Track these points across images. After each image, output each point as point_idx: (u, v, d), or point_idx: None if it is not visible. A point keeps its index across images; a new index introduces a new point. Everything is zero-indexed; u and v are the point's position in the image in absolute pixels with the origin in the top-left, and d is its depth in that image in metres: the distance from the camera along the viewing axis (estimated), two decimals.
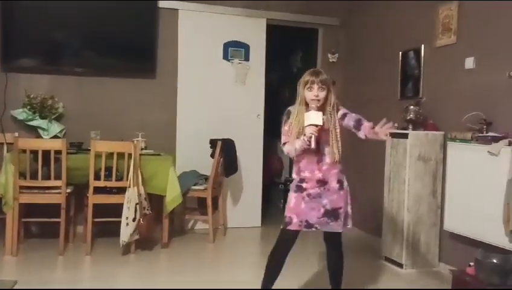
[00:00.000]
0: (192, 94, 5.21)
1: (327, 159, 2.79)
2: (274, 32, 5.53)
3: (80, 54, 4.83)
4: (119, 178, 4.15)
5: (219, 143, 4.75)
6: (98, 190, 4.10)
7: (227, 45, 5.31)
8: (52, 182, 4.01)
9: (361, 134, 2.82)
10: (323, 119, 2.68)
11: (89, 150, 4.08)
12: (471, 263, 3.32)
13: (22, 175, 3.97)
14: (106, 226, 4.25)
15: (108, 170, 4.11)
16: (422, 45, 4.26)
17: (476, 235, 3.41)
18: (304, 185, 2.81)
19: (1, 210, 4.04)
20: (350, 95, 5.57)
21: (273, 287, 2.87)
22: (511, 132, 3.29)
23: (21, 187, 3.98)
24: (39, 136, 4.51)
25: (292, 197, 2.83)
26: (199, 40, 5.22)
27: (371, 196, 4.90)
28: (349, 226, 2.92)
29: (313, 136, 2.62)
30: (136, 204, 4.05)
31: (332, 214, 2.81)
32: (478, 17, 3.69)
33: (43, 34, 4.72)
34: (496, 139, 3.28)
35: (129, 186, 4.05)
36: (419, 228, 3.94)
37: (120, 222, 4.01)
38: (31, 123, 4.56)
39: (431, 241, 3.97)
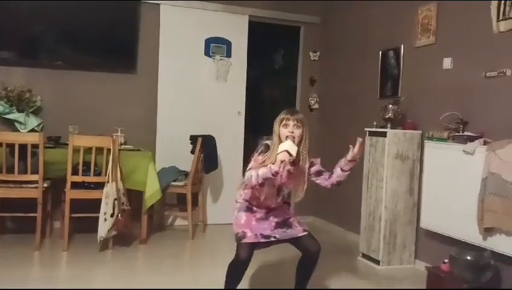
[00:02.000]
0: (173, 90, 5.18)
1: (278, 200, 2.87)
2: (256, 29, 5.53)
3: (59, 47, 4.76)
4: (98, 173, 4.11)
5: (199, 139, 4.74)
6: (75, 185, 4.05)
7: (208, 41, 5.30)
8: (28, 177, 3.96)
9: (331, 179, 3.06)
10: (297, 152, 2.70)
11: (67, 144, 4.03)
12: (446, 260, 3.39)
13: None
14: (83, 221, 4.20)
15: (87, 165, 4.06)
16: (402, 45, 4.32)
17: (451, 232, 3.47)
18: (254, 208, 2.89)
19: None
20: (330, 94, 5.61)
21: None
22: (486, 132, 3.35)
23: None
24: (16, 130, 4.44)
25: (242, 215, 2.87)
26: (181, 36, 5.20)
27: (349, 193, 4.95)
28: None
29: (285, 162, 2.57)
30: (115, 200, 4.01)
31: (284, 224, 2.90)
32: (456, 18, 3.75)
33: (21, 26, 4.64)
34: (471, 139, 3.34)
35: (107, 182, 4.02)
36: (396, 225, 3.99)
37: (98, 217, 3.97)
38: (7, 116, 4.48)
39: (407, 239, 4.03)
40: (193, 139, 4.86)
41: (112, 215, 3.99)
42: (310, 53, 5.75)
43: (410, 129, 4.03)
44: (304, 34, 5.79)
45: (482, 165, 3.14)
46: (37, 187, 3.98)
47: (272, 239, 2.85)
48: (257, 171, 2.64)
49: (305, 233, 2.91)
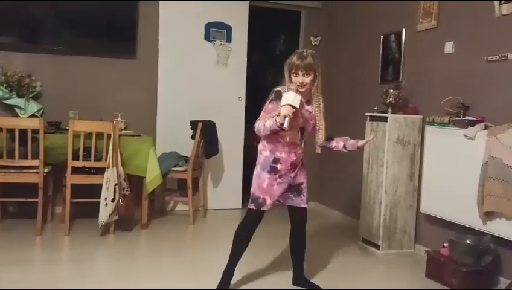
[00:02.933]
0: (173, 75, 5.16)
1: (302, 145, 2.90)
2: (257, 14, 5.49)
3: (59, 32, 4.73)
4: (98, 158, 4.11)
5: (200, 125, 4.73)
6: (76, 170, 4.06)
7: (208, 26, 5.26)
8: (29, 162, 3.96)
9: (328, 143, 3.04)
10: (301, 102, 2.65)
11: (68, 129, 4.03)
12: (446, 244, 3.40)
13: None
14: (85, 206, 4.22)
15: (87, 150, 4.07)
16: (403, 29, 4.28)
17: (451, 217, 3.47)
18: (279, 166, 2.84)
19: None
20: (332, 78, 5.58)
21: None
22: (488, 116, 3.34)
23: None
24: (16, 115, 4.43)
25: (265, 177, 2.83)
26: (180, 21, 5.16)
27: (349, 178, 4.96)
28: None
29: (288, 117, 2.56)
30: (115, 185, 4.02)
31: (296, 189, 2.94)
32: (458, 1, 3.71)
33: (21, 11, 4.61)
34: (472, 123, 3.33)
35: (108, 167, 4.02)
36: (396, 210, 4.00)
37: (99, 202, 3.99)
38: (7, 102, 4.47)
39: (407, 223, 4.04)
40: (193, 124, 4.85)
41: (112, 201, 4.00)
42: (311, 38, 5.71)
43: (411, 114, 4.02)
44: (304, 19, 5.75)
45: (482, 150, 3.14)
46: (37, 172, 3.98)
47: (276, 202, 2.92)
48: (264, 123, 2.69)
49: (305, 206, 3.01)
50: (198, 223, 4.81)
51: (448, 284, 3.26)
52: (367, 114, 4.21)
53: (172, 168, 4.73)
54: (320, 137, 2.91)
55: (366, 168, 4.21)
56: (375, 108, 4.17)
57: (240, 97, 5.43)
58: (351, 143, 3.05)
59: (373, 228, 4.09)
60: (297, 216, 3.04)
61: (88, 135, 4.05)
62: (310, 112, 2.86)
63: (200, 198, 5.09)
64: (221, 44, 5.32)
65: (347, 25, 5.29)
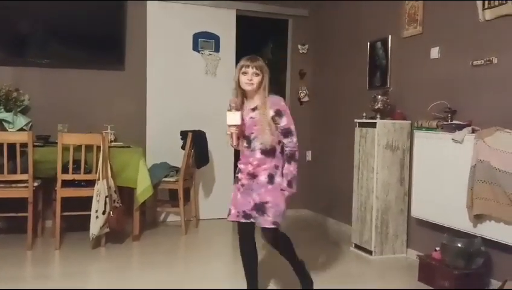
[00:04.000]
0: (162, 86, 5.16)
1: (257, 154, 2.80)
2: (244, 23, 5.52)
3: (45, 45, 4.72)
4: (88, 171, 4.09)
5: (190, 135, 4.73)
6: (66, 183, 4.03)
7: (197, 36, 5.28)
8: (18, 176, 3.93)
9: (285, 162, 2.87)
10: (251, 108, 2.79)
11: (57, 143, 4.00)
12: (437, 248, 3.42)
13: None
14: (75, 219, 4.19)
15: (77, 163, 4.04)
16: (390, 36, 4.33)
17: (441, 221, 3.50)
18: (239, 175, 2.87)
19: None
20: (320, 86, 5.63)
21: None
22: (475, 120, 3.38)
23: None
24: (4, 130, 4.39)
25: (234, 188, 2.91)
26: (168, 31, 5.17)
27: (340, 184, 4.98)
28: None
29: (233, 134, 2.75)
30: (106, 197, 4.00)
31: (259, 208, 2.78)
32: (443, 7, 3.76)
33: (7, 25, 4.60)
34: (460, 127, 3.37)
35: (98, 179, 4.00)
36: (387, 215, 4.02)
37: (89, 215, 3.96)
38: None
39: (399, 228, 4.06)
40: (183, 134, 4.85)
41: (103, 213, 3.98)
42: (299, 46, 5.75)
43: (399, 119, 4.06)
44: (292, 27, 5.79)
45: (470, 153, 3.17)
46: (27, 187, 3.95)
47: (252, 220, 2.81)
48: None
49: (269, 227, 2.77)
50: (191, 234, 4.79)
51: (441, 287, 3.28)
52: (356, 120, 4.24)
53: (163, 179, 4.72)
54: (265, 140, 2.75)
55: (357, 174, 4.23)
56: (364, 114, 4.20)
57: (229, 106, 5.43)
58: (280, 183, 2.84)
59: (365, 233, 4.10)
60: (266, 237, 2.87)
61: (77, 148, 4.03)
62: (253, 118, 2.79)
63: (191, 208, 5.07)
64: (210, 54, 5.34)
65: (334, 33, 5.34)
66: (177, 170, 4.81)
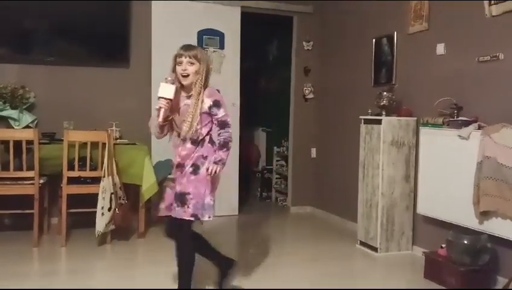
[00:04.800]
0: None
1: (187, 144, 2.69)
2: (249, 20, 5.51)
3: (51, 42, 4.73)
4: (94, 168, 4.10)
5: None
6: (72, 181, 4.05)
7: (201, 33, 5.27)
8: (24, 173, 3.94)
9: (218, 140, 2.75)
10: (186, 96, 2.65)
11: (62, 140, 4.01)
12: (443, 245, 3.41)
13: None
14: (81, 216, 4.20)
15: (82, 160, 4.05)
16: (395, 32, 4.31)
17: (447, 217, 3.49)
18: (173, 171, 2.80)
19: None
20: (325, 83, 5.61)
21: None
22: (481, 116, 3.36)
23: None
24: (10, 127, 4.41)
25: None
26: (173, 28, 5.16)
27: (345, 181, 4.97)
28: (206, 219, 2.71)
29: (162, 109, 2.57)
30: (111, 194, 4.01)
31: (179, 198, 2.67)
32: (449, 3, 3.74)
33: (13, 23, 4.61)
34: (466, 124, 3.35)
35: (104, 176, 4.01)
36: (393, 212, 4.01)
37: (95, 212, 3.97)
38: (1, 113, 4.44)
39: (405, 225, 4.05)
40: None
41: (109, 210, 3.99)
42: (304, 43, 5.74)
43: (405, 116, 4.04)
44: (297, 24, 5.77)
45: (477, 150, 3.15)
46: (33, 183, 3.97)
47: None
48: (153, 124, 2.69)
49: (188, 219, 2.66)
50: (196, 230, 4.77)
51: (447, 284, 3.27)
52: (361, 117, 4.23)
53: (168, 176, 4.71)
54: (184, 129, 2.64)
55: (362, 171, 4.22)
56: (369, 111, 4.19)
57: (234, 103, 5.44)
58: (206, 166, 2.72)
59: (371, 230, 4.10)
60: (174, 229, 2.75)
61: (83, 145, 4.04)
62: (188, 105, 2.66)
63: None
64: (214, 51, 5.33)
65: (339, 29, 5.32)
66: None
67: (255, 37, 6.44)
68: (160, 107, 2.58)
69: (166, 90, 2.59)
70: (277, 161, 6.42)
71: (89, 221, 4.08)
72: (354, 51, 4.98)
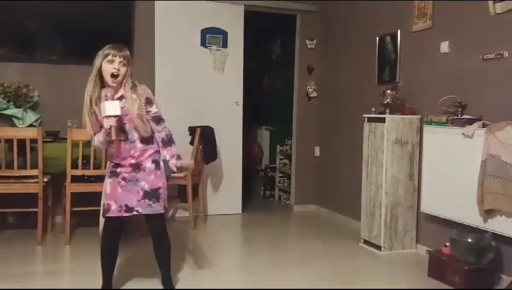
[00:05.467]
0: (170, 82, 5.17)
1: (138, 145, 2.75)
2: (252, 19, 5.51)
3: (54, 41, 4.74)
4: (97, 166, 4.10)
5: (198, 130, 4.74)
6: (75, 179, 4.05)
7: (204, 32, 5.28)
8: (28, 171, 3.95)
9: (161, 150, 2.80)
10: (122, 104, 2.63)
11: (66, 138, 4.02)
12: (447, 243, 3.40)
13: None
14: (85, 215, 4.21)
15: (86, 158, 4.06)
16: (399, 30, 4.30)
17: (451, 216, 3.48)
18: (119, 169, 2.78)
19: None
20: (328, 81, 5.61)
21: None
22: (485, 114, 3.35)
23: None
24: (14, 126, 4.43)
25: (108, 183, 2.79)
26: (176, 27, 5.17)
27: (349, 179, 4.97)
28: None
29: (113, 127, 2.57)
30: None
31: (153, 195, 2.78)
32: (452, 1, 3.73)
33: (16, 22, 4.62)
34: (470, 122, 3.34)
35: None
36: (396, 210, 4.00)
37: (99, 211, 3.96)
38: (5, 112, 4.47)
39: (408, 223, 4.04)
40: (192, 130, 4.86)
41: None
42: (307, 41, 5.73)
43: (408, 114, 4.03)
44: (300, 22, 5.77)
45: (481, 148, 3.14)
46: (37, 182, 3.98)
47: (135, 213, 2.79)
48: (98, 138, 2.69)
49: (163, 212, 2.83)
50: (199, 229, 4.80)
51: (451, 283, 3.26)
52: (365, 115, 4.22)
53: (172, 175, 4.68)
54: (143, 127, 2.71)
55: (366, 170, 4.21)
56: (373, 109, 4.19)
57: (237, 102, 5.44)
58: (173, 163, 2.82)
59: (374, 229, 4.09)
60: (153, 224, 2.88)
61: (87, 144, 4.03)
62: (122, 108, 2.66)
63: (200, 204, 5.08)
64: (218, 49, 5.33)
65: (343, 28, 5.31)
66: None
67: (257, 35, 6.44)
68: (111, 126, 2.58)
69: (112, 107, 2.57)
70: (280, 159, 6.42)
71: (92, 220, 4.08)
72: (358, 49, 4.97)
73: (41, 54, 4.73)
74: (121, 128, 2.68)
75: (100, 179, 4.02)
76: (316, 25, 5.72)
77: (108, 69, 2.65)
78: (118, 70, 2.65)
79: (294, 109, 5.85)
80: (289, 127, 5.98)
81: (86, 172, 4.07)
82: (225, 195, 5.42)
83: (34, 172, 3.95)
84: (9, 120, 4.49)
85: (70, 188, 4.04)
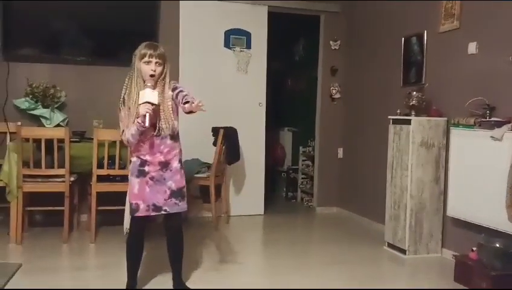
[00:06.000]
0: (193, 82, 5.18)
1: (167, 141, 2.82)
2: (276, 20, 5.50)
3: (80, 42, 4.82)
4: (122, 166, 4.15)
5: (221, 131, 4.75)
6: (101, 178, 4.11)
7: (228, 33, 5.30)
8: (55, 171, 4.03)
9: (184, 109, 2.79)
10: (159, 98, 2.69)
11: (92, 138, 4.08)
12: (474, 248, 3.34)
13: (26, 164, 3.98)
14: (109, 214, 4.27)
15: (111, 158, 4.11)
16: (425, 31, 4.24)
17: (479, 220, 3.41)
18: (146, 168, 2.81)
19: (5, 199, 4.05)
20: (352, 83, 5.56)
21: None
22: None
23: (25, 176, 3.98)
24: (42, 126, 4.51)
25: (135, 182, 2.81)
26: (200, 28, 5.21)
27: (372, 182, 4.92)
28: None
29: (147, 114, 2.62)
30: None
31: (179, 193, 2.87)
32: (480, 2, 3.66)
33: (44, 23, 4.72)
34: (498, 124, 3.27)
35: None
36: (422, 214, 3.94)
37: (123, 210, 4.02)
38: (33, 112, 4.56)
39: (434, 227, 3.98)
40: (215, 131, 4.88)
41: None
42: (331, 42, 5.70)
43: (435, 116, 3.97)
44: (324, 23, 5.74)
45: (510, 151, 3.08)
46: (64, 181, 4.05)
47: (163, 212, 2.85)
48: (130, 132, 2.71)
49: (179, 212, 2.93)
50: (222, 230, 4.81)
51: (478, 288, 3.20)
52: (390, 117, 4.17)
53: (195, 175, 4.76)
54: (169, 125, 2.79)
55: (390, 172, 4.16)
56: (398, 111, 4.14)
57: (260, 103, 5.45)
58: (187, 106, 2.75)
59: (398, 232, 4.04)
60: (172, 222, 2.95)
61: (112, 144, 4.09)
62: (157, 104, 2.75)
63: (222, 204, 5.10)
64: (241, 51, 5.35)
65: (367, 28, 5.26)
66: (208, 166, 4.84)
67: (281, 36, 6.43)
68: (147, 112, 2.64)
69: (151, 95, 2.65)
70: (303, 160, 6.40)
71: (117, 218, 4.14)
72: (383, 50, 4.92)
73: (68, 55, 4.81)
74: (154, 124, 2.74)
75: (125, 178, 4.07)
76: (340, 25, 5.69)
77: (146, 70, 2.73)
78: (155, 70, 2.73)
79: (317, 110, 5.83)
80: (312, 128, 5.96)
81: (111, 172, 4.12)
82: (247, 196, 5.43)
83: (61, 171, 4.02)
84: (37, 120, 4.58)
85: (96, 187, 4.10)
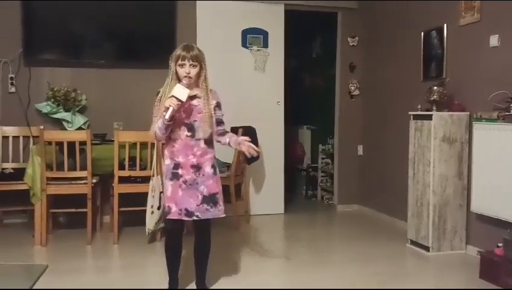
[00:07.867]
0: (211, 82, 5.16)
1: (201, 144, 2.81)
2: (292, 18, 5.48)
3: (100, 46, 4.87)
4: (143, 167, 4.19)
5: (240, 130, 4.74)
6: (122, 180, 4.15)
7: (245, 32, 5.30)
8: (78, 173, 4.08)
9: (221, 138, 2.92)
10: (189, 96, 2.71)
11: (113, 140, 4.13)
12: (500, 244, 3.28)
13: (49, 167, 4.05)
14: (132, 215, 4.31)
15: (132, 159, 4.15)
16: (445, 24, 4.18)
17: (504, 215, 3.35)
18: (180, 171, 2.80)
19: (30, 201, 4.12)
20: (371, 79, 5.52)
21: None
22: None
23: (48, 179, 4.05)
24: (64, 129, 4.58)
25: (168, 185, 2.82)
26: (217, 28, 5.22)
27: (393, 178, 4.87)
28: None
29: (171, 108, 2.63)
30: (161, 192, 4.07)
31: (211, 199, 2.84)
32: None
33: (64, 27, 4.78)
34: None
35: (153, 175, 4.09)
36: (445, 210, 3.89)
37: (145, 210, 4.06)
38: (55, 116, 4.63)
39: (458, 224, 3.92)
40: (234, 130, 4.86)
41: (158, 208, 4.06)
42: (348, 39, 5.66)
43: (457, 111, 3.91)
44: (341, 20, 5.70)
45: None
46: (86, 183, 4.10)
47: (195, 218, 2.84)
48: (157, 124, 2.73)
49: (223, 215, 2.93)
50: (243, 229, 4.82)
51: (505, 285, 3.14)
52: (410, 113, 4.12)
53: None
54: (206, 130, 2.81)
55: (412, 168, 4.11)
56: (419, 106, 4.08)
57: (278, 101, 5.44)
58: (234, 140, 2.92)
59: (421, 229, 3.99)
60: (201, 227, 2.96)
61: (133, 145, 4.13)
62: (196, 106, 2.81)
63: (243, 204, 5.10)
64: (258, 50, 5.34)
65: (385, 24, 5.21)
66: (228, 166, 4.85)
67: (298, 34, 6.40)
68: (170, 106, 2.66)
69: (181, 92, 2.67)
70: (322, 158, 6.37)
71: (139, 219, 4.18)
72: (401, 45, 4.87)
73: (88, 58, 4.87)
74: (185, 124, 2.78)
75: (146, 179, 4.12)
76: (357, 22, 5.64)
77: (181, 73, 2.76)
78: (189, 73, 2.75)
79: (336, 108, 5.79)
80: (331, 126, 5.92)
81: (133, 173, 4.16)
82: (267, 195, 5.42)
83: (83, 173, 4.08)
84: (59, 123, 4.65)
85: (118, 188, 4.14)
